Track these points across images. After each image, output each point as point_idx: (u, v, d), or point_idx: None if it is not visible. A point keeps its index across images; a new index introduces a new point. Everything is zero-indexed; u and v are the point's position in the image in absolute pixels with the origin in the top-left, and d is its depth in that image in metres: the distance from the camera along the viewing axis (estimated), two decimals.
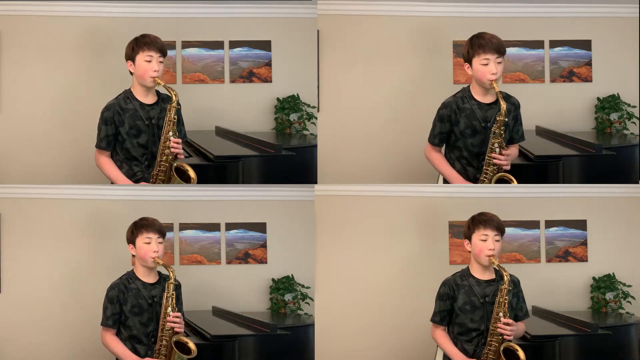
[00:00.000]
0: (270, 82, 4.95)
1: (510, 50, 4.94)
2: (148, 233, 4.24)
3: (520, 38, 4.95)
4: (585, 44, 4.98)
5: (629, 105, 4.95)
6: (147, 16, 4.85)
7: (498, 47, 4.16)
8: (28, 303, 4.82)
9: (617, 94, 4.95)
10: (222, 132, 4.86)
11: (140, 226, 4.26)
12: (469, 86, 4.29)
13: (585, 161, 4.59)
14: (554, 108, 4.97)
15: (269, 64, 4.95)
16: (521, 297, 4.25)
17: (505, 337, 4.13)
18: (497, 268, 4.16)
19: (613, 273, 4.98)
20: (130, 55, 4.26)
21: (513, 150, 4.32)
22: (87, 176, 4.80)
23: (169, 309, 4.21)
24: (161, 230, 4.27)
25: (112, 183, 4.34)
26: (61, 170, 4.84)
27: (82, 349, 4.82)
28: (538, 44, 4.97)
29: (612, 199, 4.97)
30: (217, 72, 4.94)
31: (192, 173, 4.26)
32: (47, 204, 4.84)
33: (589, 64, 4.98)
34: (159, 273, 4.32)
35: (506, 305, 4.13)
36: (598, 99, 4.97)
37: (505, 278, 4.12)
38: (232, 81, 4.95)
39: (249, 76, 4.95)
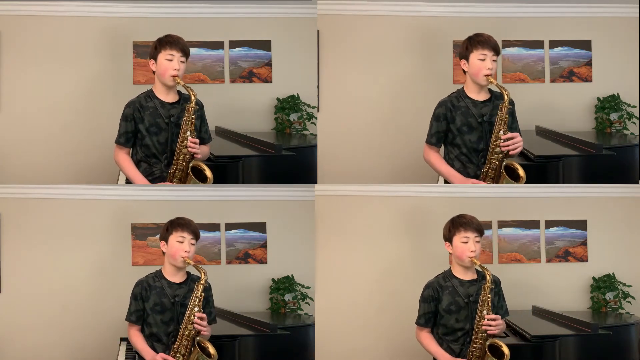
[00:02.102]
0: (270, 82, 4.95)
1: (510, 50, 4.95)
2: (182, 232, 4.24)
3: (520, 38, 4.95)
4: (585, 44, 4.98)
5: (629, 105, 4.95)
6: (147, 16, 4.85)
7: (495, 46, 4.29)
8: (28, 303, 4.82)
9: (617, 94, 4.95)
10: (222, 132, 4.86)
11: (176, 224, 4.26)
12: (463, 87, 4.34)
13: (585, 161, 4.59)
14: (554, 108, 4.98)
15: (269, 64, 4.95)
16: (501, 296, 4.30)
17: (489, 332, 4.17)
18: (480, 269, 4.22)
19: (613, 273, 4.98)
20: (153, 54, 4.29)
21: (521, 139, 4.32)
22: (87, 176, 4.80)
23: (195, 309, 4.20)
24: (195, 231, 4.27)
25: (127, 180, 4.35)
26: (61, 170, 4.84)
27: (82, 350, 4.82)
28: (538, 44, 4.97)
29: (612, 199, 4.98)
30: (217, 72, 4.94)
31: (208, 172, 4.27)
32: (48, 204, 4.84)
33: (589, 64, 4.99)
34: (188, 273, 4.31)
35: (489, 304, 4.17)
36: (598, 99, 4.97)
37: (488, 277, 4.17)
38: (232, 81, 4.95)
39: (249, 76, 4.95)
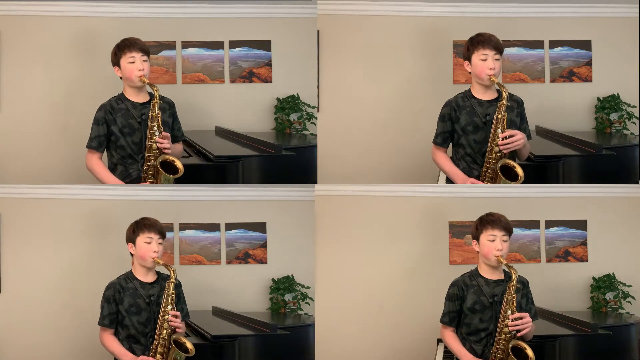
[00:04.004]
0: (270, 82, 4.95)
1: (510, 50, 4.94)
2: (149, 233, 4.25)
3: (520, 38, 4.95)
4: (585, 44, 4.98)
5: (629, 105, 4.95)
6: (147, 16, 4.85)
7: (496, 45, 4.27)
8: (28, 303, 4.82)
9: (617, 94, 4.95)
10: (222, 132, 4.86)
11: (142, 226, 4.27)
12: (470, 87, 4.33)
13: (585, 161, 4.59)
14: (554, 108, 4.97)
15: (269, 64, 4.95)
16: (530, 299, 4.26)
17: (519, 334, 4.12)
18: (506, 268, 4.18)
19: (613, 273, 4.98)
20: (115, 61, 4.34)
21: (521, 137, 4.28)
22: (87, 176, 4.79)
23: (169, 307, 4.21)
24: (162, 231, 4.28)
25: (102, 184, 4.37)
26: (61, 170, 4.84)
27: (82, 349, 4.82)
28: (538, 44, 4.97)
29: (612, 199, 4.97)
30: (217, 72, 4.94)
31: (178, 163, 4.28)
32: (47, 204, 4.84)
33: (589, 64, 4.98)
34: (158, 272, 4.32)
35: (514, 304, 4.13)
36: (598, 99, 4.97)
37: (514, 276, 4.13)
38: (232, 81, 4.95)
39: (249, 76, 4.95)
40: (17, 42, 4.82)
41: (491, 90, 4.31)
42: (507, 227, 4.20)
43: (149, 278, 4.29)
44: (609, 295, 4.96)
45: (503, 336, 4.15)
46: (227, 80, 4.94)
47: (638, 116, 4.94)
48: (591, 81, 4.99)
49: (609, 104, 4.94)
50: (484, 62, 4.25)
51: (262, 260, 4.98)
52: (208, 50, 4.92)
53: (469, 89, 4.34)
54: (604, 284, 4.97)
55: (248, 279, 4.96)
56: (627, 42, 4.95)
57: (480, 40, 4.26)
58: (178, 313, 4.24)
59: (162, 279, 4.30)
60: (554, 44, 4.97)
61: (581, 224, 5.01)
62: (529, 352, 4.10)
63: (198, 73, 4.93)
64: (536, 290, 4.93)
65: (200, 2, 4.89)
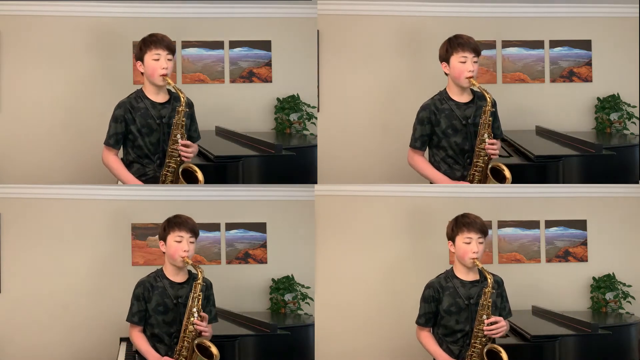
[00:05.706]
0: (270, 82, 4.95)
1: (510, 50, 4.95)
2: (180, 231, 4.21)
3: (520, 38, 4.95)
4: (585, 44, 4.98)
5: (629, 105, 4.95)
6: (147, 16, 4.85)
7: (475, 47, 4.27)
8: (28, 303, 4.82)
9: (617, 94, 4.95)
10: (222, 132, 4.86)
11: (174, 224, 4.23)
12: (445, 89, 4.34)
13: (585, 161, 4.59)
14: (554, 108, 4.98)
15: (269, 64, 4.95)
16: (504, 297, 4.28)
17: (493, 336, 4.15)
18: (481, 270, 4.19)
19: (613, 273, 4.98)
20: (139, 55, 4.28)
21: (499, 144, 4.36)
22: (87, 176, 4.80)
23: (194, 309, 4.18)
24: (194, 229, 4.23)
25: (118, 181, 4.35)
26: (62, 170, 4.84)
27: (82, 350, 4.82)
28: (538, 44, 4.97)
29: (612, 199, 4.98)
30: (217, 72, 4.94)
31: (199, 175, 4.26)
32: (47, 204, 4.83)
33: (589, 64, 4.99)
34: (189, 272, 4.28)
35: (490, 308, 4.15)
36: (598, 99, 4.97)
37: (489, 281, 4.14)
38: (232, 81, 4.95)
39: (249, 76, 4.95)
40: (17, 42, 4.82)
41: (467, 92, 4.32)
42: (482, 229, 4.21)
43: (179, 278, 4.25)
44: (609, 295, 4.96)
45: (478, 340, 4.17)
46: (227, 80, 4.95)
47: (638, 116, 4.95)
48: (591, 81, 4.99)
49: (609, 104, 4.94)
50: (463, 65, 4.25)
51: (262, 260, 4.98)
52: (208, 50, 4.92)
53: (445, 90, 4.34)
54: (604, 284, 4.97)
55: (248, 279, 4.96)
56: (627, 42, 4.95)
57: (459, 43, 4.25)
58: (205, 315, 4.18)
59: (192, 279, 4.24)
60: (554, 44, 4.97)
61: (581, 224, 5.01)
62: (504, 355, 4.12)
63: (198, 73, 4.93)
64: (535, 290, 4.95)
65: (200, 2, 4.89)
